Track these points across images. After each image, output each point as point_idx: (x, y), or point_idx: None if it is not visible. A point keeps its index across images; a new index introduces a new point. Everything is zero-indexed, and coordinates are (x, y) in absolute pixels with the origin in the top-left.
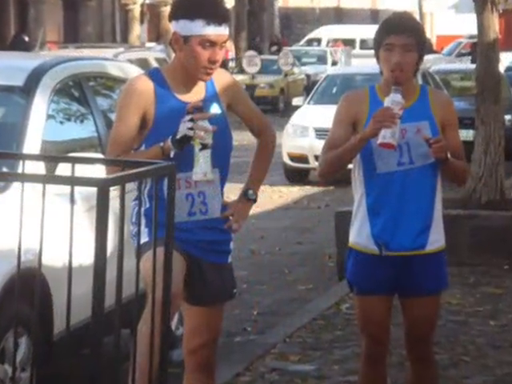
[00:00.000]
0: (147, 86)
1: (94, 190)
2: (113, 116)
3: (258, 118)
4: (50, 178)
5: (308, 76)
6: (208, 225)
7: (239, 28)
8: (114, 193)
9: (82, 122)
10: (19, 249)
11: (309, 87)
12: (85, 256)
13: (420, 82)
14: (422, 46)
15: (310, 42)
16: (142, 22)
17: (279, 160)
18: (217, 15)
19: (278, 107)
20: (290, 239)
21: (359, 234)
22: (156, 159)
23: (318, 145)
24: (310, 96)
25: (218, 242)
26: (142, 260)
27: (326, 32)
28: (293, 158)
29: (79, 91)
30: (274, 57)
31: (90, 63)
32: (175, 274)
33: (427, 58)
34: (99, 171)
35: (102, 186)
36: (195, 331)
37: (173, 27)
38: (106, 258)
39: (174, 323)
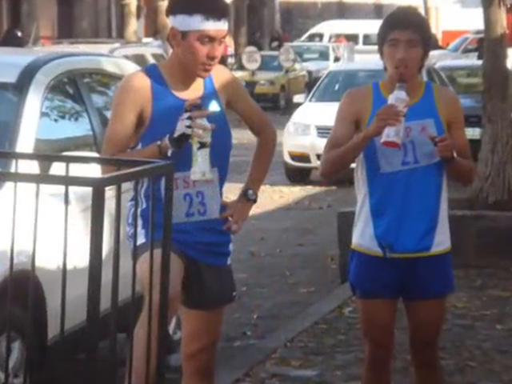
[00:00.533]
0: (144, 82)
1: (89, 190)
2: (108, 114)
3: (257, 116)
4: (43, 178)
5: (310, 72)
6: (206, 226)
7: (239, 23)
8: (109, 193)
9: (76, 119)
10: (12, 250)
11: (310, 84)
12: (80, 258)
13: (425, 78)
14: (427, 42)
15: (311, 38)
16: (138, 16)
17: (280, 159)
18: (216, 10)
19: (278, 105)
20: (290, 241)
21: (362, 236)
22: (153, 158)
23: (320, 143)
24: (312, 93)
25: (216, 244)
26: (138, 262)
27: (329, 27)
28: (294, 156)
29: (74, 88)
30: (275, 53)
31: (84, 59)
32: (173, 277)
33: (432, 53)
34: (94, 171)
35: (98, 186)
36: (194, 335)
37: (170, 22)
38: (101, 260)
39: (171, 327)
